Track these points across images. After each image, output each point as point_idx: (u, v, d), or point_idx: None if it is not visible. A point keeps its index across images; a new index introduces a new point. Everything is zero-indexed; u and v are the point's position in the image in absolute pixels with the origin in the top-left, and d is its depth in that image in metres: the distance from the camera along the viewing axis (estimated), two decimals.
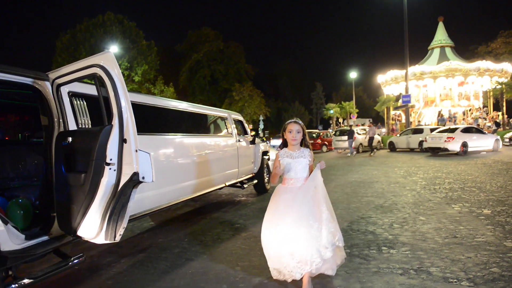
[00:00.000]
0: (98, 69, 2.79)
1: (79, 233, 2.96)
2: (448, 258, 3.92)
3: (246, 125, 8.57)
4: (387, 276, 3.53)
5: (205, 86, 52.58)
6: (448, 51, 37.23)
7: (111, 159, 2.76)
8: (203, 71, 52.19)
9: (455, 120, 31.37)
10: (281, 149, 3.39)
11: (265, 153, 8.94)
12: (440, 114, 33.48)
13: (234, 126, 7.59)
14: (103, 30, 40.11)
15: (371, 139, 21.08)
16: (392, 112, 36.72)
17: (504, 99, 32.02)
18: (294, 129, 3.31)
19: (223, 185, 6.70)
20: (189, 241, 5.07)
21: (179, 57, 54.96)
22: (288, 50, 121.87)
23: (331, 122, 49.46)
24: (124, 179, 2.77)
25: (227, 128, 7.27)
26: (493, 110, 36.45)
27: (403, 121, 33.62)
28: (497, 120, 30.59)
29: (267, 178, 8.92)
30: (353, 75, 48.67)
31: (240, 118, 8.38)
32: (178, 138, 5.06)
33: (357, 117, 47.22)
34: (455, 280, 3.36)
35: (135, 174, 2.73)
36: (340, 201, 7.25)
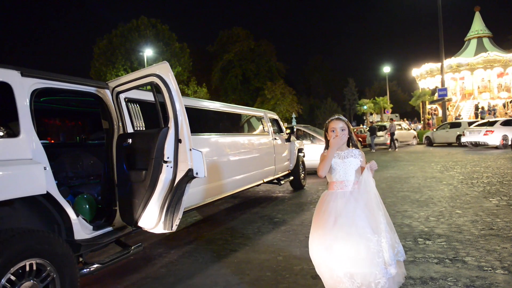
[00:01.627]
0: (155, 78, 3.15)
1: (140, 224, 3.33)
2: (483, 249, 4.05)
3: (281, 123, 8.82)
4: (423, 265, 3.71)
5: (237, 85, 53.11)
6: (486, 41, 36.00)
7: (168, 157, 3.11)
8: (234, 70, 52.75)
9: (494, 113, 30.37)
10: (325, 150, 2.93)
11: (300, 150, 9.17)
12: (477, 107, 32.49)
13: (270, 124, 7.87)
14: (138, 34, 41.38)
15: (392, 135, 21.10)
16: (428, 106, 35.97)
17: None
18: (337, 127, 2.87)
19: (261, 181, 7.00)
20: (231, 234, 5.39)
21: (211, 57, 55.73)
22: (319, 46, 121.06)
23: (364, 118, 48.89)
24: (180, 175, 3.11)
25: (263, 127, 7.55)
26: None
27: (440, 115, 32.86)
28: None
29: (302, 175, 9.15)
30: (386, 69, 47.81)
31: (276, 117, 8.65)
32: (221, 138, 5.41)
33: (391, 112, 46.38)
34: (489, 269, 3.50)
35: (190, 171, 3.08)
36: None
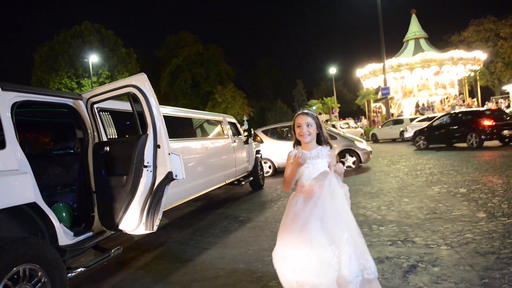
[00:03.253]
0: (133, 88, 3.36)
1: (121, 227, 3.51)
2: (429, 230, 4.59)
3: (238, 126, 9.15)
4: (379, 247, 4.17)
5: (187, 90, 52.80)
6: (423, 42, 38.54)
7: (148, 162, 3.33)
8: (184, 75, 52.42)
9: (433, 109, 32.54)
10: (294, 148, 2.75)
11: (258, 151, 9.54)
12: (418, 105, 34.63)
13: (229, 127, 8.17)
14: (81, 40, 40.09)
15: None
16: (372, 105, 37.85)
17: (478, 86, 33.38)
18: (302, 123, 2.64)
19: (224, 183, 7.27)
20: (200, 234, 5.63)
21: (159, 62, 55.05)
22: (267, 49, 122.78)
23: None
24: (159, 178, 3.34)
25: (223, 130, 7.84)
26: (469, 97, 37.86)
27: (384, 113, 34.68)
28: (473, 106, 31.86)
29: (261, 174, 9.52)
30: (332, 70, 49.68)
31: (233, 120, 8.96)
32: (186, 142, 5.63)
33: (339, 112, 48.16)
34: (435, 246, 4.03)
35: (170, 173, 3.31)
36: None
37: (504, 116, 14.18)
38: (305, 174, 2.64)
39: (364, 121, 38.23)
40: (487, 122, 13.38)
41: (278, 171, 11.67)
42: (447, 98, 37.65)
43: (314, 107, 47.61)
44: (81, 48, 39.06)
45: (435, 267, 3.49)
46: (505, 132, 13.33)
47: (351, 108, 60.36)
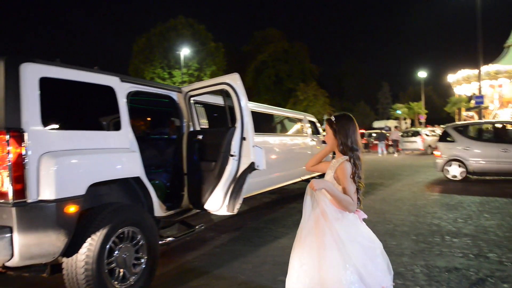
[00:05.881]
0: (226, 85, 3.82)
1: (206, 206, 3.99)
2: (506, 248, 4.49)
3: (318, 125, 9.37)
4: (448, 258, 4.20)
5: (270, 85, 53.71)
6: None
7: (234, 152, 3.77)
8: (268, 71, 53.37)
9: None
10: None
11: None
12: None
13: (309, 126, 8.44)
14: (175, 33, 42.63)
15: (394, 141, 23.43)
16: (464, 113, 35.45)
17: None
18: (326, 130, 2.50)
19: (299, 179, 7.58)
20: (273, 224, 6.00)
21: (245, 57, 56.62)
22: (353, 49, 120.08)
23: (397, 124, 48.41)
24: (243, 167, 3.76)
25: (303, 128, 8.13)
26: None
27: None
28: None
29: None
30: (422, 74, 47.20)
31: (313, 119, 9.20)
32: (270, 137, 6.05)
33: (426, 119, 45.77)
34: (509, 264, 3.96)
35: (252, 163, 3.72)
36: (408, 199, 7.84)
37: None
38: None
39: None
40: None
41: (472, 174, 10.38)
42: None
43: (399, 111, 45.84)
44: (174, 41, 41.50)
45: (505, 283, 3.48)
46: None
47: (440, 115, 56.91)
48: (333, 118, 2.46)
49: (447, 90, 42.94)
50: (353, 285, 2.16)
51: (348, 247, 2.19)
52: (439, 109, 56.47)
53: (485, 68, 31.92)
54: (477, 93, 27.98)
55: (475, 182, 10.02)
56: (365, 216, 2.47)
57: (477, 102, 27.67)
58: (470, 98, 33.38)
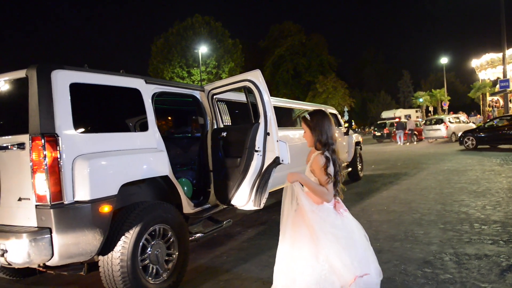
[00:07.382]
0: (248, 82, 3.87)
1: (233, 202, 4.07)
2: None
3: (339, 118, 9.33)
4: (478, 245, 4.16)
5: (288, 79, 53.61)
6: None
7: (258, 147, 3.83)
8: (285, 65, 53.26)
9: None
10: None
11: (357, 143, 9.64)
12: None
13: None
14: (192, 32, 42.91)
15: (410, 131, 24.24)
16: (488, 98, 34.54)
17: None
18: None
19: None
20: None
21: (263, 52, 56.55)
22: (372, 38, 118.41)
23: (418, 111, 47.56)
24: (267, 162, 3.82)
25: None
26: None
27: (501, 107, 31.47)
28: None
29: (360, 166, 9.62)
30: (443, 60, 46.08)
31: (334, 111, 9.18)
32: (291, 131, 6.08)
33: (448, 105, 44.76)
34: None
35: (277, 158, 3.77)
36: (433, 187, 7.75)
37: None
38: None
39: (477, 116, 35.10)
40: None
41: None
42: None
43: (421, 99, 44.98)
44: (192, 40, 41.78)
45: None
46: None
47: (464, 102, 55.73)
48: (307, 116, 2.56)
49: (471, 76, 41.94)
50: (323, 275, 2.31)
51: (321, 238, 2.33)
52: (462, 96, 55.34)
53: (510, 51, 30.98)
54: (501, 77, 27.22)
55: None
56: (344, 208, 2.59)
57: (502, 86, 26.90)
58: (494, 83, 32.45)
